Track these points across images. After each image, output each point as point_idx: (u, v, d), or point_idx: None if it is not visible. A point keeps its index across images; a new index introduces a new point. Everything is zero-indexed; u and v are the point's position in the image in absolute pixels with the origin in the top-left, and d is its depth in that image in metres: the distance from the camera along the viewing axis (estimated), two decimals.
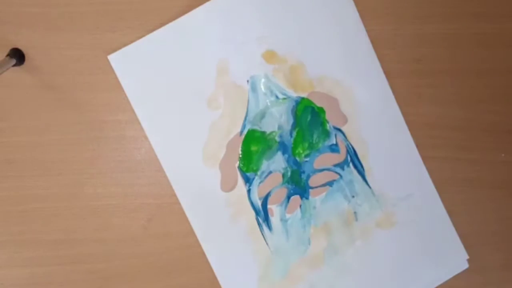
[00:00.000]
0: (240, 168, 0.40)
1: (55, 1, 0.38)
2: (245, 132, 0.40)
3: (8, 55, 0.37)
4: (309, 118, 0.40)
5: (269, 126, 0.40)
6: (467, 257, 0.42)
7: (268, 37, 0.39)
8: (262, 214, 0.40)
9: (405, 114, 0.41)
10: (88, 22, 0.38)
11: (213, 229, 0.40)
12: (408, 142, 0.41)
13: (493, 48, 0.42)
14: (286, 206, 0.40)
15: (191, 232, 0.40)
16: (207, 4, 0.38)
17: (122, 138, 0.40)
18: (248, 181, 0.40)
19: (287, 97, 0.40)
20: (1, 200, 0.39)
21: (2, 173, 0.39)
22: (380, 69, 0.40)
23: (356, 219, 0.41)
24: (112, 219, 0.40)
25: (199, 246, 0.40)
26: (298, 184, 0.40)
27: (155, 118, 0.39)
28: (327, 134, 0.41)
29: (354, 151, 0.41)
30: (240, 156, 0.40)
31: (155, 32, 0.38)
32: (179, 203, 0.39)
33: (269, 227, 0.40)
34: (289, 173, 0.40)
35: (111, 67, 0.38)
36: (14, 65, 0.37)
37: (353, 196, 0.41)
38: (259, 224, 0.40)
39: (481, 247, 0.43)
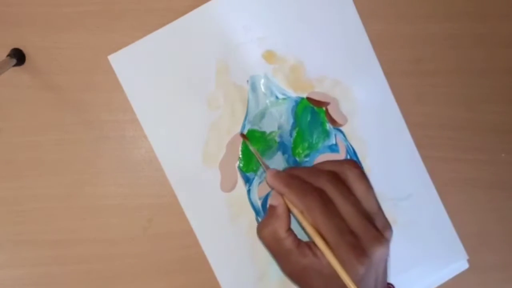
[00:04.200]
0: (240, 168, 0.40)
1: (55, 1, 0.38)
2: (245, 132, 0.40)
3: (8, 55, 0.37)
4: (309, 118, 0.40)
5: (269, 126, 0.40)
6: (467, 257, 0.42)
7: (268, 37, 0.39)
8: (262, 214, 0.40)
9: (405, 114, 0.41)
10: (88, 22, 0.38)
11: (213, 229, 0.40)
12: (408, 142, 0.41)
13: (493, 48, 0.42)
14: None
15: (191, 232, 0.39)
16: (207, 4, 0.38)
17: (122, 138, 0.40)
18: (248, 181, 0.40)
19: (287, 97, 0.40)
20: (1, 200, 0.39)
21: (2, 173, 0.39)
22: (380, 69, 0.40)
23: None
24: (112, 219, 0.40)
25: (199, 246, 0.40)
26: None
27: (155, 118, 0.39)
28: (327, 134, 0.41)
29: (354, 151, 0.41)
30: (240, 156, 0.40)
31: (155, 32, 0.38)
32: (179, 203, 0.39)
33: None
34: None
35: (111, 67, 0.38)
36: (14, 65, 0.37)
37: None
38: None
39: (481, 247, 0.43)
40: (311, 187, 0.31)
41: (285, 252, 0.32)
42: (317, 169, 0.33)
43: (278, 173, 0.33)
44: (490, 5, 0.41)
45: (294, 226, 0.33)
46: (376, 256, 0.29)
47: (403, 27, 0.41)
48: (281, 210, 0.32)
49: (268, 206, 0.34)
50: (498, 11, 0.42)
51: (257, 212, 0.40)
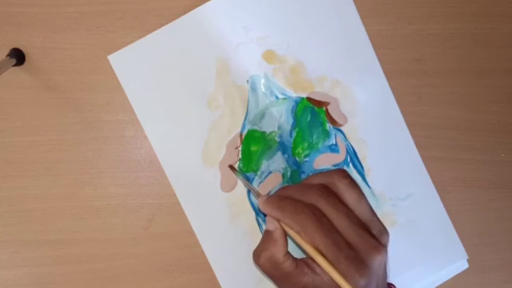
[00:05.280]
0: (240, 168, 0.40)
1: (55, 1, 0.38)
2: (245, 132, 0.40)
3: (8, 55, 0.37)
4: (309, 118, 0.40)
5: (269, 126, 0.40)
6: (467, 257, 0.42)
7: (268, 37, 0.39)
8: (262, 214, 0.40)
9: (405, 114, 0.41)
10: (88, 22, 0.38)
11: (213, 229, 0.40)
12: (408, 142, 0.41)
13: (493, 48, 0.42)
14: None
15: (191, 232, 0.40)
16: (207, 4, 0.38)
17: (122, 138, 0.40)
18: (248, 181, 0.40)
19: (287, 97, 0.40)
20: (1, 200, 0.39)
21: (2, 173, 0.39)
22: (380, 69, 0.40)
23: None
24: (112, 219, 0.40)
25: (199, 246, 0.40)
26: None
27: (155, 118, 0.39)
28: (326, 134, 0.41)
29: (354, 151, 0.41)
30: (240, 156, 0.40)
31: (155, 32, 0.38)
32: (179, 203, 0.39)
33: None
34: (289, 173, 0.40)
35: (111, 67, 0.38)
36: (14, 65, 0.37)
37: None
38: (259, 224, 0.40)
39: (481, 247, 0.43)
40: (303, 205, 0.30)
41: (285, 275, 0.31)
42: (307, 185, 0.32)
43: (268, 199, 0.32)
44: (490, 5, 0.41)
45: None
46: (375, 265, 0.29)
47: (403, 27, 0.41)
48: (277, 234, 0.31)
49: (263, 231, 0.33)
50: (498, 11, 0.42)
51: (257, 212, 0.40)
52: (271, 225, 0.32)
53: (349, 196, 0.31)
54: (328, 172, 0.33)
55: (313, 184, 0.32)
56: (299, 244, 0.31)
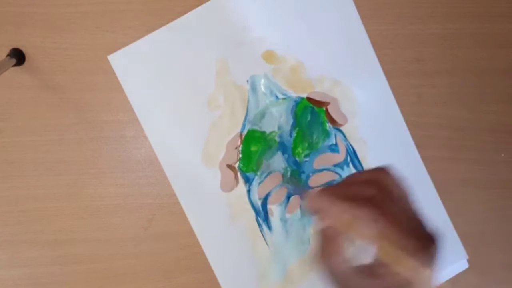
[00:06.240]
0: (240, 168, 0.40)
1: (55, 1, 0.38)
2: (245, 132, 0.40)
3: (8, 55, 0.37)
4: (309, 118, 0.40)
5: (269, 126, 0.40)
6: (467, 257, 0.42)
7: (268, 37, 0.39)
8: (262, 214, 0.40)
9: (405, 114, 0.41)
10: (88, 22, 0.38)
11: (213, 229, 0.40)
12: (408, 142, 0.41)
13: (493, 48, 0.42)
14: (286, 206, 0.40)
15: (191, 232, 0.40)
16: (207, 4, 0.38)
17: (122, 138, 0.40)
18: (248, 181, 0.40)
19: (286, 97, 0.40)
20: (1, 200, 0.39)
21: (2, 173, 0.39)
22: (380, 69, 0.40)
23: None
24: (112, 219, 0.40)
25: (199, 246, 0.40)
26: (298, 184, 0.40)
27: (155, 118, 0.39)
28: (326, 134, 0.41)
29: (354, 151, 0.41)
30: (240, 156, 0.40)
31: (155, 32, 0.38)
32: (179, 203, 0.39)
33: (269, 227, 0.40)
34: (289, 173, 0.40)
35: (111, 67, 0.38)
36: (14, 65, 0.37)
37: None
38: (259, 224, 0.40)
39: (481, 247, 0.43)
40: (362, 200, 0.29)
41: (350, 275, 0.30)
42: (355, 182, 0.32)
43: (321, 192, 0.30)
44: (490, 5, 0.41)
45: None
46: (436, 254, 0.30)
47: (403, 27, 0.41)
48: (334, 232, 0.30)
49: (318, 232, 0.31)
50: (498, 11, 0.42)
51: (257, 212, 0.40)
52: (329, 221, 0.30)
53: (398, 192, 0.31)
54: (373, 170, 0.32)
55: (361, 181, 0.31)
56: (361, 239, 0.30)
